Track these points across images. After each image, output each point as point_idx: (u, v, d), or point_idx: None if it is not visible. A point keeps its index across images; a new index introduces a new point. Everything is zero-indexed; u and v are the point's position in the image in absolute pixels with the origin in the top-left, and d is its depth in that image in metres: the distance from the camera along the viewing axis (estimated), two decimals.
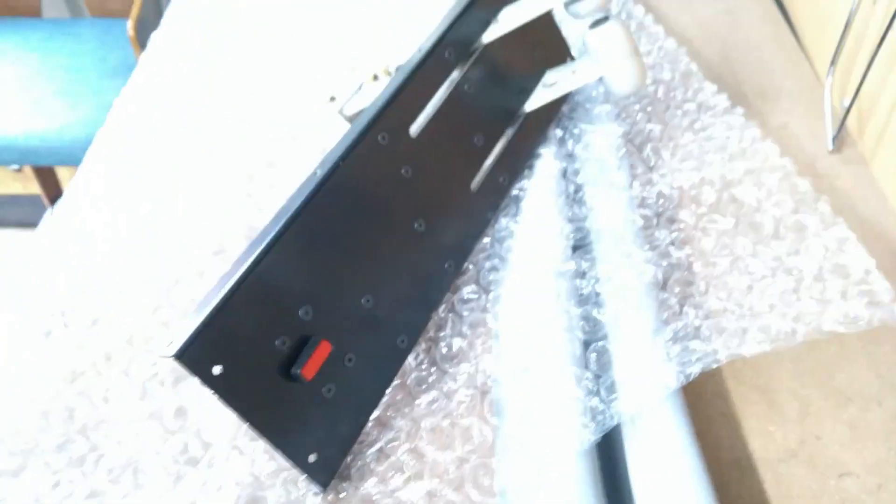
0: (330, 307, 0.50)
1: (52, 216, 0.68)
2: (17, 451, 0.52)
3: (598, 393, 0.49)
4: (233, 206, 0.68)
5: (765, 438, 0.53)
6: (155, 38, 0.93)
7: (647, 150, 0.67)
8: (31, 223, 1.83)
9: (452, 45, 0.60)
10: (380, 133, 0.54)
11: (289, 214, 0.48)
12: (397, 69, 0.65)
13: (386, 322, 0.53)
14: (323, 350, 0.48)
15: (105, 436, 0.52)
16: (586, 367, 0.51)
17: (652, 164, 0.66)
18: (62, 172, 1.82)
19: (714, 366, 0.49)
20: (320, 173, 0.50)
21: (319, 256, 0.50)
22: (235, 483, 0.50)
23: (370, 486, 0.49)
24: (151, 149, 0.74)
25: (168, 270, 0.62)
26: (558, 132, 0.69)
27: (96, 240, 0.65)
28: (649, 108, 0.71)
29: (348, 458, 0.50)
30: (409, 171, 0.56)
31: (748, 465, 0.52)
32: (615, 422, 0.48)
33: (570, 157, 0.67)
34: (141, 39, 1.54)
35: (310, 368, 0.47)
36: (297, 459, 0.47)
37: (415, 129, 0.57)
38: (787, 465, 0.52)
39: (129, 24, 1.49)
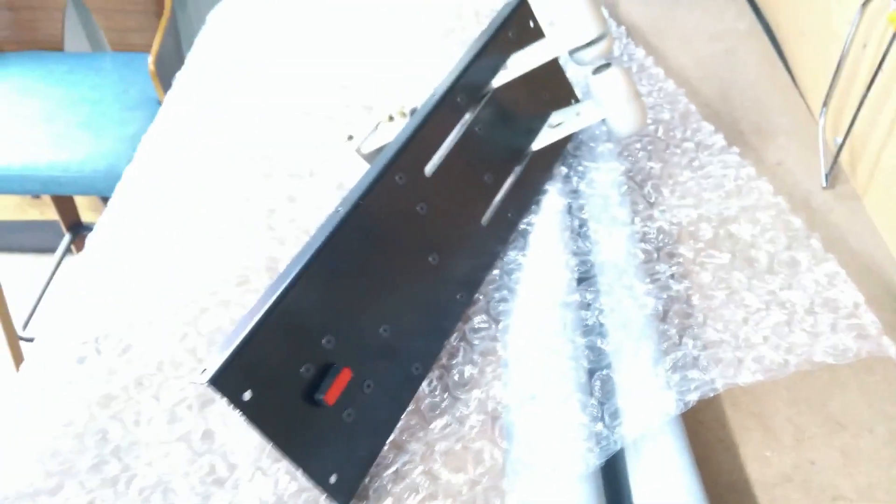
0: (350, 336, 0.53)
1: (84, 248, 0.71)
2: (54, 471, 0.55)
3: (602, 419, 0.52)
4: (255, 240, 0.71)
5: (761, 463, 0.56)
6: (179, 76, 0.98)
7: (648, 187, 0.71)
8: (49, 249, 1.88)
9: (464, 89, 0.64)
10: (397, 173, 0.58)
11: (313, 250, 0.51)
12: (412, 111, 0.69)
13: (402, 350, 0.56)
14: (344, 377, 0.51)
15: (136, 457, 0.56)
16: (591, 394, 0.54)
17: (652, 200, 0.70)
18: (80, 200, 1.87)
19: (711, 394, 0.52)
20: (342, 211, 0.54)
21: (341, 289, 0.53)
22: (260, 502, 0.52)
23: None
24: (178, 184, 0.78)
25: (194, 300, 0.66)
26: (563, 170, 0.72)
27: (126, 270, 0.69)
28: (650, 147, 0.75)
29: (366, 480, 0.53)
30: (424, 207, 0.59)
31: (745, 488, 0.54)
32: (618, 447, 0.51)
33: (575, 193, 0.71)
34: (160, 73, 1.60)
35: (332, 394, 0.50)
36: (319, 480, 0.50)
37: (429, 168, 0.60)
38: (783, 489, 0.54)
39: (150, 59, 1.55)
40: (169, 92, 0.96)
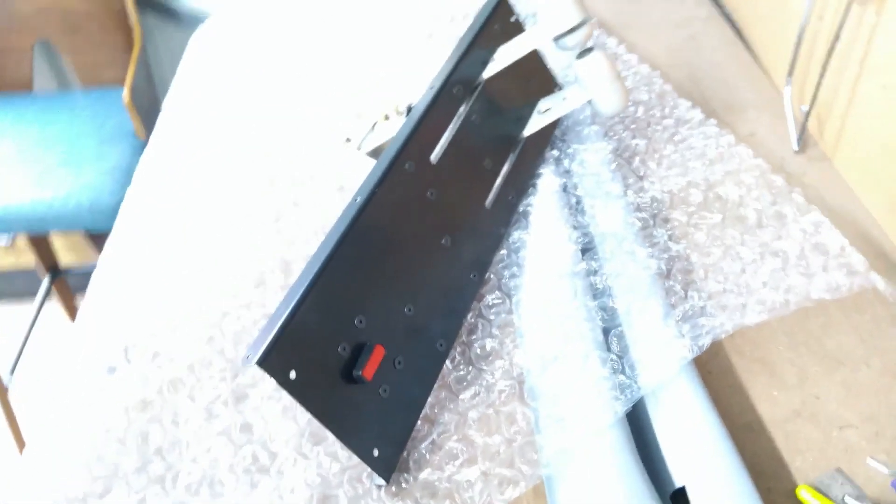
0: (379, 316, 0.56)
1: (102, 265, 0.73)
2: (101, 475, 0.56)
3: (622, 370, 0.56)
4: (266, 243, 0.74)
5: (770, 403, 0.60)
6: (167, 100, 1.00)
7: (636, 161, 0.75)
8: (28, 295, 1.86)
9: (459, 81, 0.68)
10: (406, 162, 0.61)
11: (338, 235, 0.54)
12: (408, 108, 0.72)
13: (426, 328, 0.59)
14: (378, 354, 0.54)
15: (179, 455, 0.57)
16: (609, 349, 0.57)
17: (641, 173, 0.74)
18: (58, 242, 1.86)
19: (723, 336, 0.55)
20: (360, 199, 0.57)
21: (367, 271, 0.56)
22: (306, 485, 0.55)
23: (428, 474, 0.54)
24: (183, 199, 0.80)
25: (216, 305, 0.68)
26: (555, 153, 0.76)
27: (144, 283, 0.71)
28: (633, 126, 0.80)
29: (405, 454, 0.56)
30: (434, 193, 0.63)
31: (759, 427, 0.58)
32: (641, 394, 0.54)
33: (568, 173, 0.75)
34: (135, 105, 1.61)
35: (369, 369, 0.53)
36: (363, 454, 0.53)
37: (434, 156, 0.64)
38: (794, 424, 0.58)
39: (125, 92, 1.57)
40: (160, 115, 0.98)
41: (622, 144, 0.78)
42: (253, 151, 0.86)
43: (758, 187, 0.69)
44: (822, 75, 0.79)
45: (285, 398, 0.61)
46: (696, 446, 0.52)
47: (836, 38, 0.76)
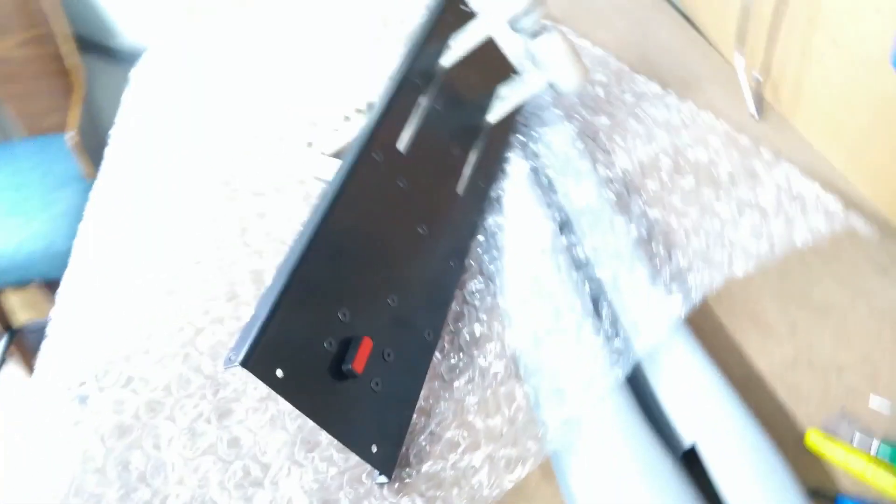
0: (363, 308, 0.54)
1: (61, 300, 0.69)
2: None
3: (617, 335, 0.54)
4: (234, 256, 0.71)
5: (766, 355, 0.59)
6: (113, 132, 0.96)
7: (601, 137, 0.75)
8: None
9: (418, 71, 0.67)
10: (373, 151, 0.59)
11: (312, 228, 0.52)
12: (369, 104, 0.71)
13: (411, 319, 0.57)
14: (366, 346, 0.52)
15: (165, 479, 0.54)
16: (600, 318, 0.56)
17: (608, 149, 0.74)
18: (13, 298, 1.78)
19: (713, 289, 0.55)
20: (331, 190, 0.55)
21: (345, 263, 0.54)
22: (304, 492, 0.52)
23: (431, 465, 0.52)
24: (145, 218, 0.77)
25: (188, 322, 0.65)
26: (520, 138, 0.76)
27: (110, 308, 0.67)
28: (593, 105, 0.80)
29: (404, 448, 0.53)
30: (405, 182, 0.61)
31: (758, 378, 0.57)
32: (639, 356, 0.53)
33: (536, 156, 0.74)
34: (82, 147, 1.56)
35: (359, 362, 0.50)
36: (362, 451, 0.50)
37: (402, 145, 0.62)
38: (792, 374, 0.58)
39: (71, 134, 1.52)
40: (106, 149, 0.94)
41: (585, 123, 0.77)
42: (210, 168, 0.84)
43: (725, 147, 0.70)
44: (771, 40, 0.81)
45: (272, 408, 0.58)
46: (702, 403, 0.51)
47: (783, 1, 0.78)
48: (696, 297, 0.54)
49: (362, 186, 0.57)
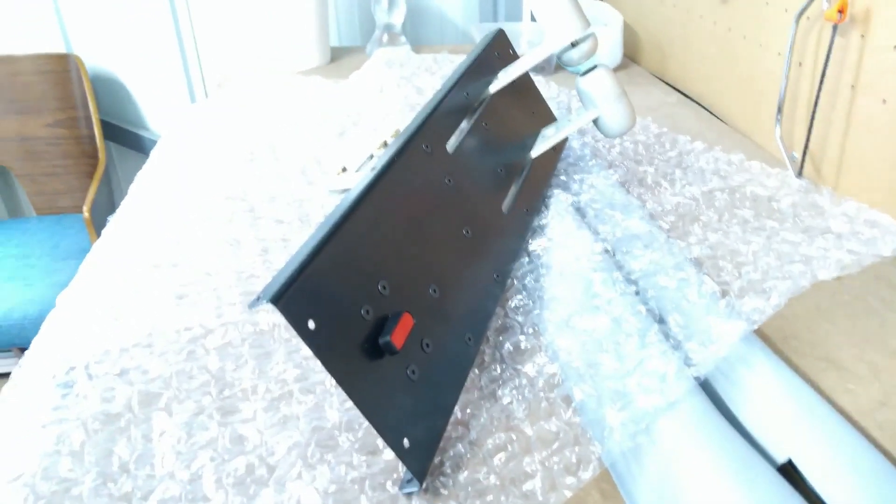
0: (404, 287, 0.48)
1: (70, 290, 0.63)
2: (44, 495, 0.43)
3: (689, 339, 0.48)
4: (254, 270, 0.66)
5: (849, 395, 0.52)
6: (140, 175, 0.94)
7: (648, 181, 0.72)
8: None
9: (467, 88, 0.65)
10: (423, 142, 0.56)
11: (359, 191, 0.48)
12: (396, 131, 0.69)
13: (452, 316, 0.51)
14: (406, 322, 0.45)
15: (150, 472, 0.45)
16: (667, 330, 0.50)
17: (656, 192, 0.71)
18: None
19: (777, 308, 0.49)
20: (379, 166, 0.51)
21: (389, 235, 0.49)
22: (317, 493, 0.43)
23: (471, 472, 0.44)
24: (162, 229, 0.73)
25: (198, 323, 0.58)
26: (562, 178, 0.73)
27: (115, 306, 0.61)
28: (634, 157, 0.78)
29: (437, 459, 0.45)
30: (451, 181, 0.58)
31: (845, 414, 0.50)
32: (713, 362, 0.46)
33: (580, 193, 0.71)
34: (94, 223, 1.54)
35: (398, 336, 0.44)
36: (393, 441, 0.42)
37: (450, 146, 0.60)
38: (882, 412, 0.51)
39: (85, 208, 1.51)
40: (132, 185, 0.91)
41: (629, 171, 0.75)
42: (234, 199, 0.80)
43: (781, 188, 0.67)
44: (813, 114, 0.80)
45: (284, 409, 0.50)
46: (798, 417, 0.44)
47: (823, 74, 0.78)
48: (760, 319, 0.48)
49: (412, 169, 0.54)
